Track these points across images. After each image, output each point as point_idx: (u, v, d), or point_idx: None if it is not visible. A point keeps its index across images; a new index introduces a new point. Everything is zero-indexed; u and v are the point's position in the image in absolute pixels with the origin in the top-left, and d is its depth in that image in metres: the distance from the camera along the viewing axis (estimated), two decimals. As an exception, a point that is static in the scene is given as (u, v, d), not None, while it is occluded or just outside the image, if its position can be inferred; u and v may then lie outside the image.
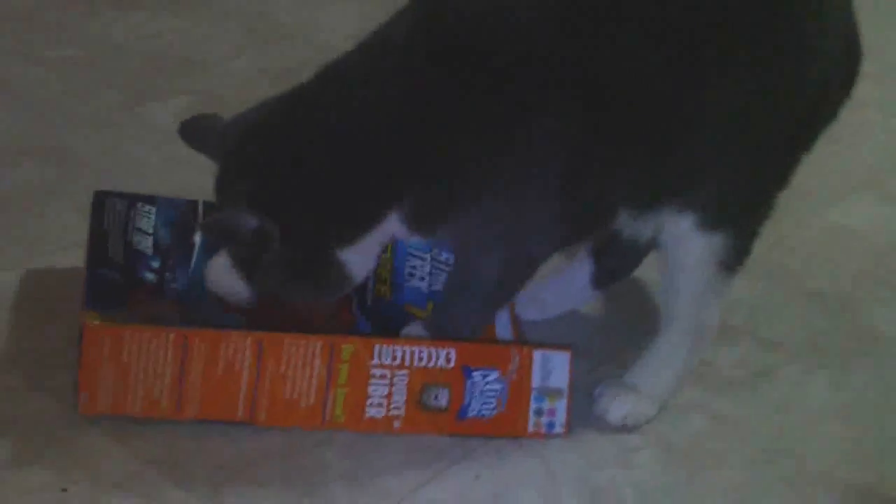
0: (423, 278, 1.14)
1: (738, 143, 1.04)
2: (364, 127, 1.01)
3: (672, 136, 1.03)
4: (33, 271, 1.19)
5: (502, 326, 1.12)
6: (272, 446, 1.03)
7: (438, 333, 1.07)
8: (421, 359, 1.02)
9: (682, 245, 1.08)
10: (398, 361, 1.02)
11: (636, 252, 1.20)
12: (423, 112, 1.00)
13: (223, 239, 1.03)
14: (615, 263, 1.21)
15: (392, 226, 1.02)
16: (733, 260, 1.09)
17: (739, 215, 1.09)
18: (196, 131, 1.07)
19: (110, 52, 1.64)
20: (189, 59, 1.64)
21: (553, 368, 1.05)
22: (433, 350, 1.02)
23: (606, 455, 1.07)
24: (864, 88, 1.84)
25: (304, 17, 1.82)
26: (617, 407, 1.10)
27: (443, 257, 1.15)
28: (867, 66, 1.97)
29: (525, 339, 1.11)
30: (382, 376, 1.02)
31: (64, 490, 0.96)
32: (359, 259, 1.03)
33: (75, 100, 1.52)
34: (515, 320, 1.13)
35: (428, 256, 1.15)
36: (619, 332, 1.23)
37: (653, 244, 1.14)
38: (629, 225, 1.09)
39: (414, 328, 1.08)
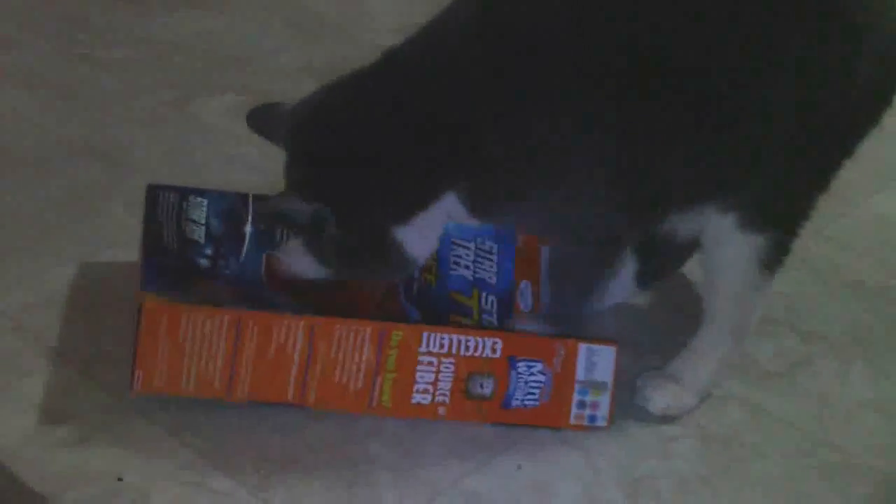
0: (467, 266, 1.17)
1: (783, 145, 1.06)
2: (421, 108, 1.03)
3: (718, 133, 1.04)
4: (88, 267, 1.23)
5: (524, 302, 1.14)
6: (320, 438, 1.06)
7: (559, 323, 1.10)
8: (468, 347, 1.04)
9: (723, 244, 1.10)
10: (445, 349, 1.04)
11: (679, 252, 1.22)
12: (482, 97, 1.02)
13: (277, 223, 1.06)
14: (659, 262, 1.23)
15: (450, 206, 1.05)
16: (773, 260, 1.11)
17: (780, 217, 1.10)
18: (262, 119, 1.11)
19: (159, 52, 1.67)
20: (235, 57, 1.68)
21: (598, 362, 1.07)
22: (480, 339, 1.05)
23: (646, 446, 1.09)
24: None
25: (346, 11, 1.85)
26: (659, 397, 1.12)
27: (486, 245, 1.16)
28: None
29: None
30: (430, 363, 1.04)
31: (119, 479, 1.00)
32: (416, 239, 1.05)
33: (126, 99, 1.56)
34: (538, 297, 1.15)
35: (472, 245, 1.17)
36: (662, 323, 1.25)
37: (696, 245, 1.16)
38: (673, 222, 1.11)
39: (530, 322, 1.11)
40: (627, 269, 1.23)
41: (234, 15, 1.79)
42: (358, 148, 1.03)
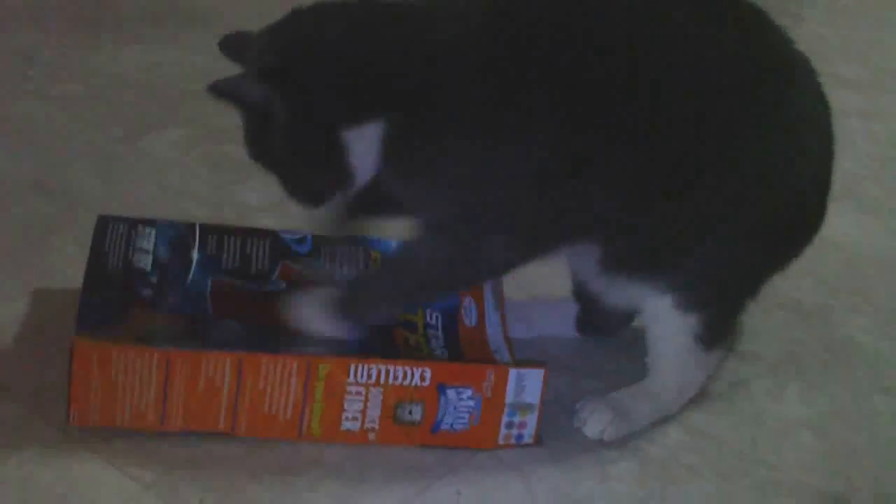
0: None
1: (726, 235, 1.09)
2: (388, 31, 1.05)
3: (660, 211, 1.08)
4: (35, 303, 1.25)
5: (494, 333, 1.16)
6: (262, 467, 1.08)
7: (342, 303, 1.09)
8: (396, 377, 1.07)
9: (660, 321, 1.14)
10: (373, 379, 1.07)
11: (619, 318, 1.25)
12: (451, 55, 1.03)
13: (230, 101, 1.06)
14: (598, 321, 1.25)
15: (375, 135, 1.04)
16: (710, 338, 1.15)
17: (718, 299, 1.14)
18: (234, 44, 1.12)
19: (111, 86, 1.69)
20: (185, 90, 1.69)
21: (527, 385, 1.09)
22: (409, 369, 1.07)
23: (584, 468, 1.12)
24: (845, 96, 1.88)
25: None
26: (595, 422, 1.14)
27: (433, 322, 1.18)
28: (849, 73, 2.02)
29: (513, 347, 1.14)
30: (358, 393, 1.07)
31: (65, 514, 1.01)
32: (360, 150, 1.05)
33: (77, 134, 1.57)
34: (507, 331, 1.17)
35: None
36: (604, 348, 1.27)
37: (634, 314, 1.20)
38: (606, 293, 1.15)
39: (309, 302, 1.11)
40: (570, 311, 1.26)
41: (183, 49, 1.81)
42: (333, 48, 1.04)
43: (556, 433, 1.14)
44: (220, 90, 1.05)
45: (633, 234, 1.09)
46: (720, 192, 1.08)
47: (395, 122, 1.04)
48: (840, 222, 1.51)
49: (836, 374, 1.29)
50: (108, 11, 1.91)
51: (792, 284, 1.40)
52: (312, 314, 1.10)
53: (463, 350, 1.13)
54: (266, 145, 1.08)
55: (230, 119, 1.68)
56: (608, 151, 1.05)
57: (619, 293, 1.15)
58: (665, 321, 1.14)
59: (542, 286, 1.29)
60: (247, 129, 1.09)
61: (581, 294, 1.24)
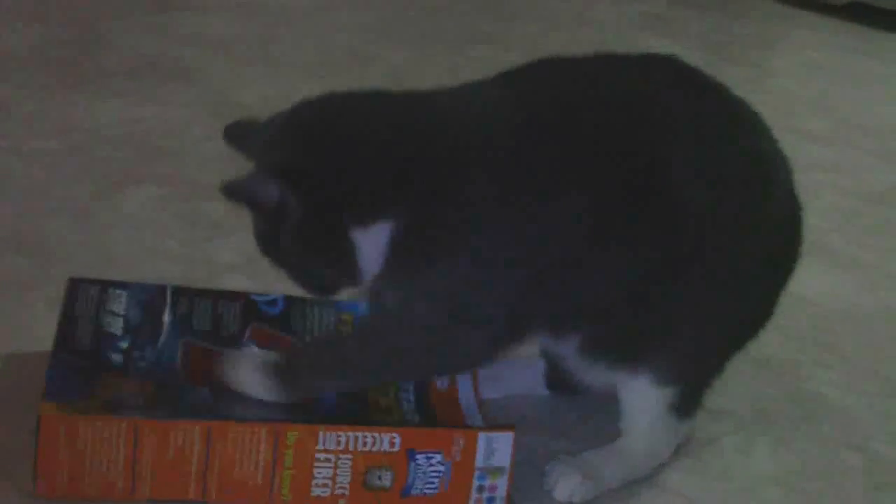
0: None
1: (710, 318, 1.13)
2: (397, 129, 1.06)
3: (652, 299, 1.10)
4: (4, 364, 1.24)
5: (465, 394, 1.17)
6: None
7: (280, 370, 1.10)
8: (365, 443, 1.07)
9: (633, 391, 1.16)
10: (342, 446, 1.07)
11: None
12: (457, 158, 1.06)
13: (243, 202, 1.07)
14: (567, 379, 1.25)
15: (383, 234, 1.06)
16: (685, 408, 1.17)
17: (694, 374, 1.17)
18: (240, 133, 1.12)
19: (85, 142, 1.70)
20: (161, 146, 1.71)
21: (497, 448, 1.10)
22: (377, 435, 1.07)
23: (553, 529, 1.12)
24: (812, 149, 1.91)
25: (271, 100, 1.89)
26: (563, 485, 1.15)
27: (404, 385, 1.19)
28: (816, 127, 2.05)
29: (485, 408, 1.15)
30: (327, 460, 1.07)
31: (32, 580, 1.01)
32: (368, 249, 1.06)
33: (53, 189, 1.58)
34: (478, 392, 1.18)
35: None
36: (576, 406, 1.27)
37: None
38: (582, 374, 1.17)
39: (246, 361, 1.11)
40: (538, 368, 1.27)
41: (160, 105, 1.83)
42: (345, 147, 1.06)
43: (528, 493, 1.14)
44: (233, 191, 1.05)
45: (621, 322, 1.11)
46: (713, 279, 1.11)
47: (400, 223, 1.06)
48: (808, 276, 1.53)
49: (804, 430, 1.30)
50: (87, 65, 1.93)
51: (761, 340, 1.40)
52: (247, 375, 1.10)
53: (435, 413, 1.14)
54: (276, 242, 1.08)
55: (205, 176, 1.71)
56: (609, 250, 1.08)
57: (596, 375, 1.17)
58: (640, 393, 1.16)
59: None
60: (256, 227, 1.10)
61: (548, 356, 1.25)
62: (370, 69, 2.04)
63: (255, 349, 1.16)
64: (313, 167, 1.05)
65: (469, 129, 1.07)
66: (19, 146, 1.67)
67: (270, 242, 1.10)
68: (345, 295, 1.20)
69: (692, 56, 1.19)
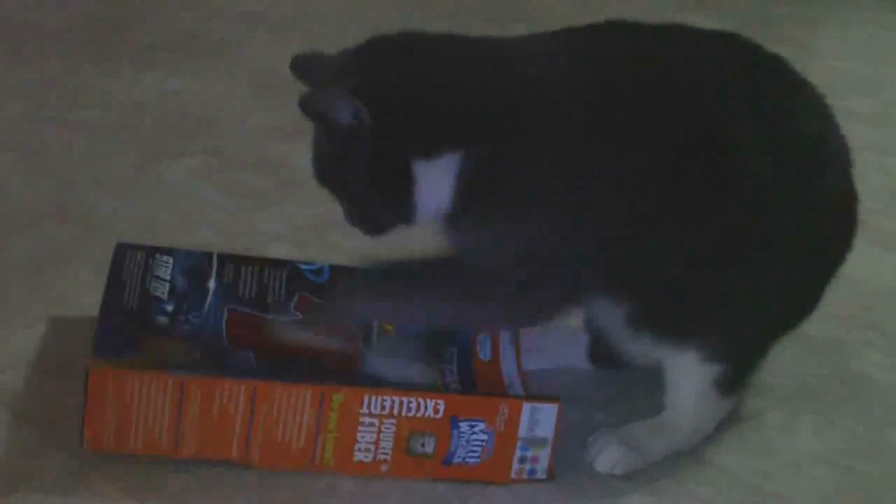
0: None
1: (761, 297, 1.12)
2: (473, 65, 1.05)
3: (710, 274, 1.10)
4: (52, 329, 1.26)
5: (508, 365, 1.17)
6: (277, 498, 1.08)
7: (372, 298, 1.10)
8: (409, 408, 1.07)
9: (678, 367, 1.15)
10: (387, 411, 1.07)
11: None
12: (535, 91, 1.05)
13: (317, 119, 1.05)
14: (610, 353, 1.24)
15: (447, 171, 1.05)
16: (730, 386, 1.16)
17: (741, 352, 1.16)
18: (307, 64, 1.11)
19: (127, 114, 1.71)
20: (202, 118, 1.71)
21: (540, 419, 1.09)
22: (422, 400, 1.07)
23: (596, 500, 1.12)
24: (859, 129, 1.88)
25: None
26: (606, 457, 1.14)
27: (447, 356, 1.19)
28: (863, 107, 2.03)
29: (528, 380, 1.15)
30: (371, 424, 1.07)
31: (79, 541, 1.02)
32: (428, 183, 1.05)
33: (94, 161, 1.59)
34: (521, 364, 1.17)
35: None
36: (618, 380, 1.27)
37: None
38: (627, 346, 1.16)
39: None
40: (581, 340, 1.27)
41: (201, 77, 1.83)
42: (419, 77, 1.04)
43: (569, 465, 1.14)
44: (309, 105, 1.03)
45: (673, 295, 1.10)
46: (769, 258, 1.10)
47: (469, 159, 1.04)
48: (854, 256, 1.51)
49: (849, 408, 1.29)
50: (126, 40, 1.94)
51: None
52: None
53: (477, 384, 1.14)
54: (336, 166, 1.07)
55: (245, 148, 1.71)
56: (677, 210, 1.07)
57: (642, 349, 1.16)
58: (685, 369, 1.15)
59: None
60: (318, 149, 1.08)
61: (593, 328, 1.25)
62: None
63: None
64: (389, 91, 1.04)
65: (543, 76, 1.06)
66: (62, 118, 1.68)
67: (330, 167, 1.07)
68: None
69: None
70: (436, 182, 1.05)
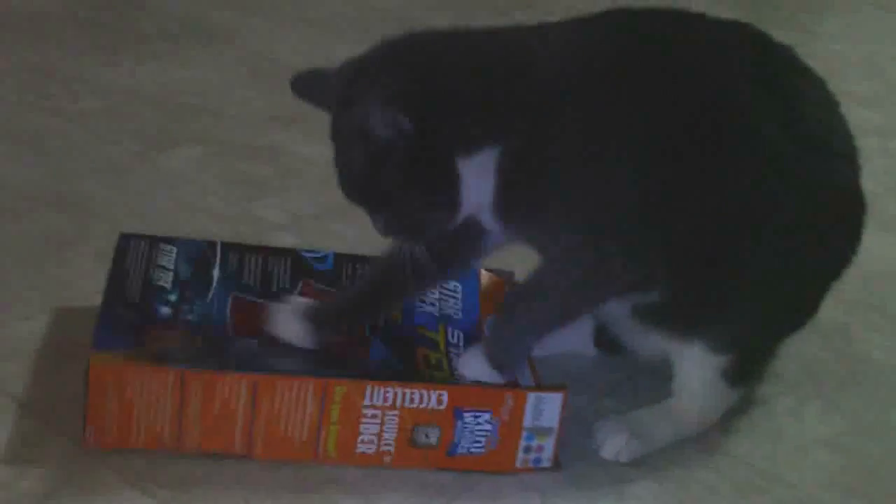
0: (433, 304, 1.20)
1: (772, 290, 1.11)
2: (497, 57, 1.05)
3: (723, 263, 1.09)
4: (53, 319, 1.25)
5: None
6: (280, 486, 1.07)
7: (498, 352, 1.09)
8: (412, 400, 1.06)
9: (686, 358, 1.15)
10: (389, 402, 1.06)
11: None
12: (566, 78, 1.05)
13: (356, 137, 1.03)
14: (616, 341, 1.24)
15: (487, 163, 1.04)
16: (738, 376, 1.16)
17: (750, 343, 1.15)
18: (309, 83, 1.10)
19: (126, 103, 1.70)
20: (201, 107, 1.70)
21: (545, 409, 1.09)
22: (425, 392, 1.06)
23: (602, 487, 1.11)
24: (862, 113, 1.88)
25: (313, 61, 1.88)
26: (611, 444, 1.14)
27: (450, 285, 1.21)
28: (866, 90, 2.02)
29: (534, 365, 1.14)
30: (374, 416, 1.07)
31: (83, 531, 1.01)
32: (471, 178, 1.04)
33: (94, 149, 1.58)
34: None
35: (437, 292, 1.21)
36: (623, 367, 1.26)
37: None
38: (633, 341, 1.16)
39: (472, 355, 1.11)
40: (587, 325, 1.26)
41: (201, 66, 1.82)
42: (447, 76, 1.03)
43: (575, 451, 1.13)
44: (345, 125, 1.02)
45: (685, 285, 1.10)
46: (782, 250, 1.10)
47: (508, 151, 1.04)
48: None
49: (855, 392, 1.28)
50: (124, 28, 1.92)
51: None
52: (479, 369, 1.09)
53: None
54: (374, 181, 1.04)
55: (245, 136, 1.70)
56: (693, 199, 1.07)
57: (648, 340, 1.15)
58: (693, 359, 1.14)
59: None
60: (351, 167, 1.05)
61: (598, 317, 1.24)
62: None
63: (300, 298, 1.15)
64: (422, 95, 1.02)
65: (566, 64, 1.06)
66: (60, 107, 1.67)
67: (365, 181, 1.05)
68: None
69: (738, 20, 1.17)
70: (479, 176, 1.05)
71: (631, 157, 1.05)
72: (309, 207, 1.49)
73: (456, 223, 1.08)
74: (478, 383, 1.09)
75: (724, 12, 1.18)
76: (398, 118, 1.01)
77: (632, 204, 1.06)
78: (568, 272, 1.08)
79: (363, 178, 1.05)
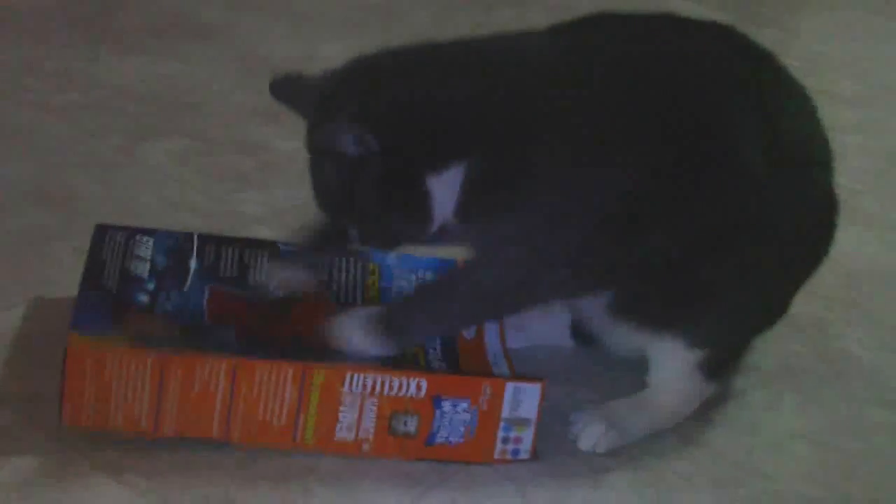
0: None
1: (748, 287, 1.12)
2: (462, 74, 1.06)
3: (697, 263, 1.10)
4: (32, 311, 1.25)
5: (492, 344, 1.16)
6: (258, 475, 1.08)
7: (392, 326, 1.09)
8: (391, 387, 1.07)
9: (661, 352, 1.15)
10: (368, 389, 1.07)
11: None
12: (531, 93, 1.05)
13: (323, 154, 1.05)
14: (593, 333, 1.24)
15: (456, 179, 1.05)
16: (713, 370, 1.16)
17: (725, 339, 1.16)
18: (288, 88, 1.10)
19: (108, 97, 1.70)
20: (184, 101, 1.70)
21: (523, 399, 1.09)
22: (404, 380, 1.07)
23: (579, 477, 1.12)
24: (843, 112, 1.89)
25: (296, 55, 1.88)
26: (587, 435, 1.15)
27: (427, 277, 1.21)
28: (846, 88, 2.03)
29: (511, 362, 1.14)
30: (353, 402, 1.07)
31: (60, 520, 1.01)
32: (440, 195, 1.05)
33: (77, 144, 1.58)
34: (504, 342, 1.17)
35: (413, 277, 1.22)
36: (600, 359, 1.26)
37: None
38: (608, 335, 1.17)
39: (354, 315, 1.10)
40: (564, 318, 1.27)
41: (184, 60, 1.82)
42: (415, 94, 1.04)
43: (552, 441, 1.14)
44: (315, 142, 1.04)
45: (661, 284, 1.11)
46: (759, 250, 1.11)
47: (474, 166, 1.05)
48: (837, 237, 1.52)
49: (832, 386, 1.29)
50: (110, 22, 1.93)
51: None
52: (355, 332, 1.09)
53: (461, 362, 1.13)
54: (345, 196, 1.06)
55: (229, 131, 1.70)
56: (674, 205, 1.08)
57: (624, 335, 1.16)
58: (669, 353, 1.15)
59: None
60: (323, 180, 1.07)
61: (575, 309, 1.25)
62: (394, 27, 2.03)
63: (360, 310, 1.13)
64: (390, 114, 1.04)
65: (535, 76, 1.06)
66: (44, 101, 1.67)
67: (336, 196, 1.07)
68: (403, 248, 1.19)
69: (719, 19, 1.18)
70: (446, 192, 1.06)
71: (601, 174, 1.06)
72: (290, 201, 1.49)
73: (430, 234, 1.09)
74: (345, 353, 1.08)
75: (707, 12, 1.18)
76: (365, 136, 1.02)
77: (594, 225, 1.06)
78: (513, 272, 1.08)
79: (332, 194, 1.07)
